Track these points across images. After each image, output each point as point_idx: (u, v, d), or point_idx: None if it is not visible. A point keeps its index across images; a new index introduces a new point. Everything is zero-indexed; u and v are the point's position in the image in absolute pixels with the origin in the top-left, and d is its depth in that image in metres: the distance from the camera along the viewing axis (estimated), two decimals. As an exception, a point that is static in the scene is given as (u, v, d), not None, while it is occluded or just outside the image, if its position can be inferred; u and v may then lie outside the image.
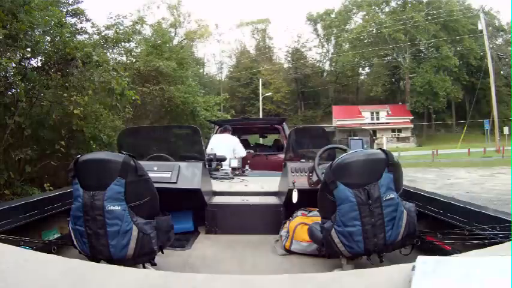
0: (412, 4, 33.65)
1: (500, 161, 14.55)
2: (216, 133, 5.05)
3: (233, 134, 5.95)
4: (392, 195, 1.48)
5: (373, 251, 1.48)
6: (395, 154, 1.65)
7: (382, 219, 1.46)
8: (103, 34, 7.45)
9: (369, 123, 30.66)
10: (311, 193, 1.83)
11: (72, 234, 1.49)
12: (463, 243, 1.44)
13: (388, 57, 36.14)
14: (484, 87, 25.63)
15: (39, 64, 5.01)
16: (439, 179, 10.35)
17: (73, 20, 6.80)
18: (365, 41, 36.03)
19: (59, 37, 4.90)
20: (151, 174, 1.60)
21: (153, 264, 1.61)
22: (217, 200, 2.49)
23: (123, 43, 8.38)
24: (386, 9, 35.85)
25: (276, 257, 1.97)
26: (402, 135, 32.47)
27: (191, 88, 12.49)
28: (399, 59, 34.75)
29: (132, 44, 9.69)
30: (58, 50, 4.83)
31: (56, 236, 1.75)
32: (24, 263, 0.78)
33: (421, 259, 0.70)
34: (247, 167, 3.99)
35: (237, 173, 3.68)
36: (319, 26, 40.59)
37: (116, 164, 1.43)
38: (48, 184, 4.44)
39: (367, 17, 35.98)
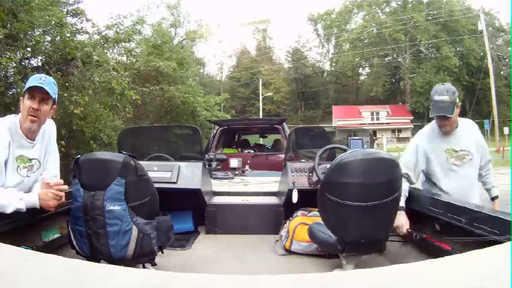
0: (412, 4, 33.64)
1: (500, 161, 14.54)
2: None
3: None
4: None
5: None
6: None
7: None
8: (103, 34, 7.46)
9: (369, 124, 30.62)
10: (311, 193, 1.83)
11: (72, 235, 1.49)
12: (463, 243, 1.44)
13: (388, 58, 36.13)
14: (484, 87, 25.64)
15: (40, 64, 5.02)
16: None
17: (73, 20, 6.80)
18: (365, 41, 36.02)
19: (59, 37, 4.91)
20: (151, 174, 1.60)
21: (153, 264, 1.61)
22: (217, 200, 2.49)
23: (123, 43, 8.39)
24: (387, 10, 35.85)
25: (276, 257, 1.97)
26: (402, 135, 32.42)
27: (191, 88, 12.51)
28: (399, 59, 34.74)
29: (133, 44, 9.69)
30: (58, 49, 4.84)
31: (56, 236, 1.75)
32: (24, 263, 0.78)
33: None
34: (247, 167, 3.99)
35: (237, 173, 3.68)
36: (319, 26, 40.61)
37: (116, 164, 1.43)
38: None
39: (367, 17, 35.98)
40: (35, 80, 1.47)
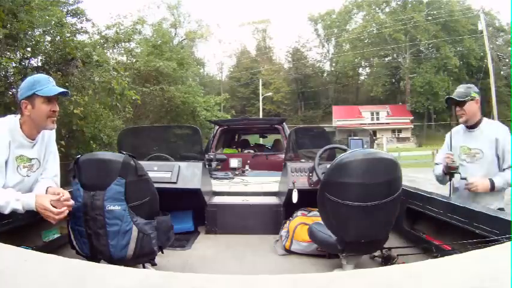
0: (412, 4, 33.64)
1: (500, 161, 14.48)
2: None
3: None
4: None
5: None
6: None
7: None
8: (103, 34, 7.45)
9: (369, 124, 30.62)
10: (311, 193, 1.83)
11: (72, 235, 1.49)
12: (463, 243, 1.44)
13: (388, 58, 36.14)
14: (484, 87, 25.56)
15: (40, 64, 5.02)
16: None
17: (73, 20, 6.81)
18: (365, 41, 36.02)
19: (59, 37, 4.91)
20: (151, 174, 1.60)
21: (153, 265, 1.61)
22: (217, 200, 2.49)
23: (123, 43, 8.39)
24: (387, 10, 35.84)
25: (276, 257, 1.97)
26: (402, 135, 32.44)
27: (191, 88, 12.50)
28: (399, 59, 34.74)
29: (133, 44, 9.70)
30: (58, 49, 4.84)
31: (56, 236, 1.75)
32: (24, 263, 0.78)
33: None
34: (247, 167, 3.99)
35: (237, 173, 3.68)
36: (319, 26, 40.61)
37: (116, 164, 1.43)
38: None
39: (367, 17, 35.99)
40: (46, 82, 1.47)
